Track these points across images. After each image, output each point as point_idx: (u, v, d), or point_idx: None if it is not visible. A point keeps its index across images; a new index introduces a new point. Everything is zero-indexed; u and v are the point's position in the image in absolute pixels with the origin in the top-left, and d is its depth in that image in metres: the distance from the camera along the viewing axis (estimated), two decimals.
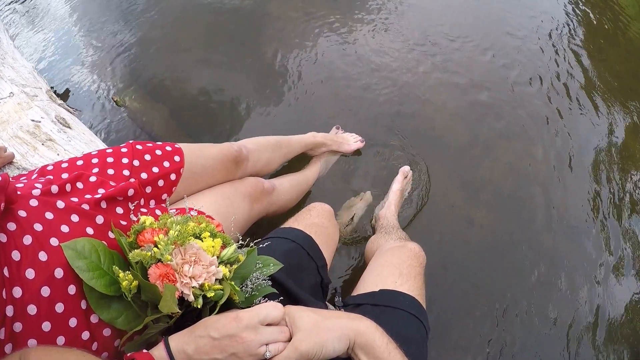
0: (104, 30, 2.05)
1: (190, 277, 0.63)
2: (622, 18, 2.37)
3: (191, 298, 0.63)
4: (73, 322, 0.65)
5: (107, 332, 0.68)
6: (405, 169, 1.59)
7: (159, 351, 0.62)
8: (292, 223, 1.07)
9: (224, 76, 1.87)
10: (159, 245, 0.64)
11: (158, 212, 0.86)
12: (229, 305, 0.68)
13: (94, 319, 0.67)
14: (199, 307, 0.64)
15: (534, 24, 2.24)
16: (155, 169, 0.93)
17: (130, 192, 0.83)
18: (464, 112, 1.85)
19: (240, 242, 0.77)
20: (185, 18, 2.10)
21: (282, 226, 1.08)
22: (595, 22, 2.35)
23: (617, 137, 1.86)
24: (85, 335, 0.66)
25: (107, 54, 1.94)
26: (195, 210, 0.86)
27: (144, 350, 0.63)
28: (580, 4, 2.42)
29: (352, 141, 1.64)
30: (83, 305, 0.66)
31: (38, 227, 0.66)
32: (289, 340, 0.65)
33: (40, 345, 0.62)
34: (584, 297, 1.46)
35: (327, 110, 1.79)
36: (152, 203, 0.92)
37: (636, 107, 1.97)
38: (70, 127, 1.38)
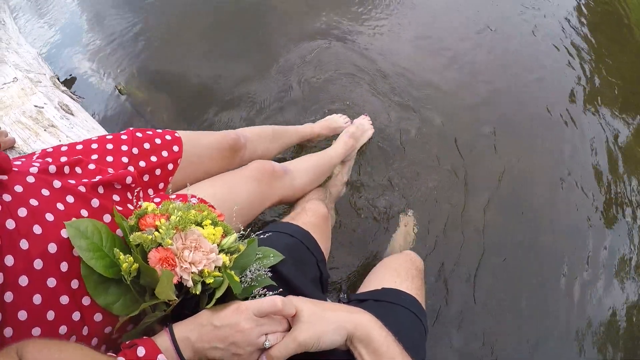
0: (109, 19, 2.04)
1: (190, 263, 0.63)
2: (630, 22, 2.37)
3: (190, 284, 0.63)
4: (64, 299, 0.64)
5: (98, 317, 0.68)
6: (407, 217, 1.55)
7: (162, 338, 0.63)
8: (288, 220, 1.09)
9: (227, 67, 1.87)
10: (160, 230, 0.64)
11: (157, 200, 0.86)
12: (228, 295, 0.68)
13: (85, 301, 0.66)
14: (197, 293, 0.64)
15: (540, 25, 2.24)
16: (153, 158, 0.93)
17: (129, 179, 0.82)
18: (466, 113, 1.85)
19: (242, 232, 0.77)
20: (191, 9, 2.10)
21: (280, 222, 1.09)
22: (602, 26, 2.35)
23: (622, 140, 1.86)
24: (76, 315, 0.65)
25: (112, 43, 1.94)
26: (197, 198, 0.86)
27: (144, 338, 0.64)
28: (588, 7, 2.41)
29: (341, 122, 1.65)
30: (74, 284, 0.66)
31: (34, 202, 0.66)
32: (288, 330, 0.66)
33: (38, 338, 0.62)
34: (585, 298, 1.46)
35: (330, 104, 1.78)
36: (151, 192, 0.92)
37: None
38: (72, 114, 1.38)
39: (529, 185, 1.69)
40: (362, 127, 1.64)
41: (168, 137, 0.98)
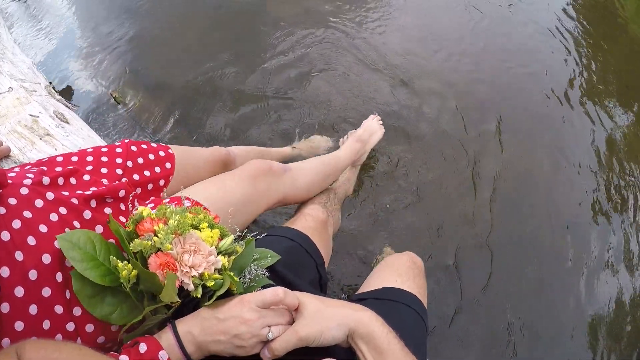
0: (103, 27, 2.05)
1: (190, 267, 0.63)
2: (622, 16, 2.39)
3: (191, 287, 0.63)
4: (59, 309, 0.65)
5: (89, 328, 0.68)
6: (387, 251, 1.51)
7: (165, 334, 0.63)
8: (287, 225, 1.09)
9: (223, 74, 1.87)
10: (158, 235, 0.64)
11: (151, 205, 0.86)
12: (228, 296, 0.68)
13: (76, 311, 0.67)
14: (198, 296, 0.65)
15: (533, 23, 2.25)
16: (146, 172, 0.94)
17: (122, 193, 0.83)
18: (464, 110, 1.85)
19: (238, 233, 0.77)
20: (185, 15, 2.11)
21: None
22: (594, 21, 2.36)
23: (618, 133, 1.88)
24: (70, 326, 0.66)
25: (107, 50, 1.94)
26: (191, 200, 0.86)
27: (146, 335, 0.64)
28: (581, 4, 2.43)
29: (323, 143, 1.67)
30: (67, 295, 0.66)
31: (27, 214, 0.67)
32: (291, 323, 0.67)
33: (37, 338, 0.62)
34: (584, 295, 1.46)
35: (326, 109, 1.79)
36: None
37: (636, 105, 1.98)
38: (68, 123, 1.38)
39: (529, 181, 1.70)
40: (370, 129, 1.60)
41: (162, 153, 1.00)
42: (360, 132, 1.57)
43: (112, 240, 0.72)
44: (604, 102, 1.97)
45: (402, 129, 1.76)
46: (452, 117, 1.82)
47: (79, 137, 1.33)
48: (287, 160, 1.58)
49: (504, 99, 1.91)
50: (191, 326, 0.64)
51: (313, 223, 1.12)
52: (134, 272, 0.63)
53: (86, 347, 0.60)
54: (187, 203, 0.79)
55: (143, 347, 0.60)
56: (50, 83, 1.59)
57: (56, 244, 0.66)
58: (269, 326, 0.65)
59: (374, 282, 0.99)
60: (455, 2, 2.29)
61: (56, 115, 1.37)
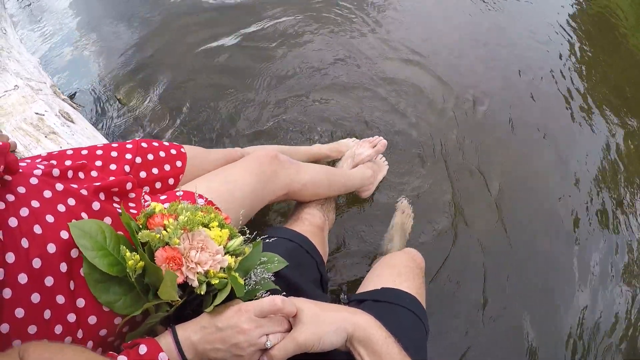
0: (109, 28, 2.06)
1: (196, 263, 0.64)
2: (622, 29, 2.43)
3: (195, 284, 0.64)
4: (60, 299, 0.65)
5: (92, 320, 0.68)
6: (403, 204, 1.56)
7: (165, 339, 0.64)
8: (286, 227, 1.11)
9: (228, 77, 1.88)
10: (168, 229, 0.64)
11: (164, 197, 0.87)
12: (232, 297, 0.69)
13: (79, 303, 0.67)
14: (202, 293, 0.65)
15: (533, 34, 2.29)
16: (155, 170, 0.94)
17: (129, 185, 0.84)
18: (462, 120, 1.87)
19: (248, 235, 0.77)
20: (190, 17, 2.12)
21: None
22: (595, 33, 2.41)
23: (614, 145, 1.90)
24: (71, 317, 0.66)
25: (112, 52, 1.95)
26: (204, 198, 0.86)
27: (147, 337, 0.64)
28: (581, 15, 2.48)
29: (352, 145, 1.63)
30: (71, 285, 0.66)
31: (35, 203, 0.68)
32: (289, 330, 0.67)
33: (39, 340, 0.62)
34: (582, 305, 1.47)
35: (331, 114, 1.80)
36: None
37: (636, 117, 2.01)
38: (73, 122, 1.39)
39: (529, 191, 1.71)
40: (379, 165, 1.61)
41: (173, 152, 0.99)
42: (371, 164, 1.59)
43: (120, 233, 0.73)
44: (605, 112, 1.99)
45: (401, 133, 1.77)
46: (451, 124, 1.84)
47: (84, 136, 1.34)
48: (313, 159, 1.52)
49: (503, 110, 1.93)
50: (191, 333, 0.65)
51: (310, 227, 1.13)
52: (141, 263, 0.64)
53: (89, 350, 0.61)
54: (200, 201, 0.80)
55: (143, 349, 0.61)
56: (55, 83, 1.60)
57: (62, 234, 0.67)
58: (267, 334, 0.65)
59: (373, 281, 1.00)
60: (457, 16, 2.32)
61: (62, 114, 1.37)
